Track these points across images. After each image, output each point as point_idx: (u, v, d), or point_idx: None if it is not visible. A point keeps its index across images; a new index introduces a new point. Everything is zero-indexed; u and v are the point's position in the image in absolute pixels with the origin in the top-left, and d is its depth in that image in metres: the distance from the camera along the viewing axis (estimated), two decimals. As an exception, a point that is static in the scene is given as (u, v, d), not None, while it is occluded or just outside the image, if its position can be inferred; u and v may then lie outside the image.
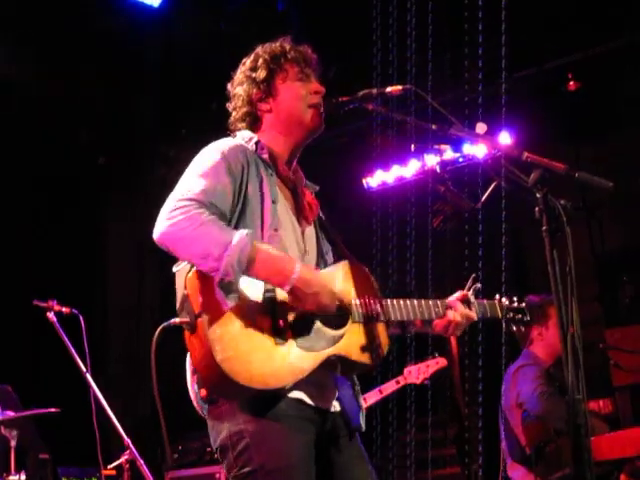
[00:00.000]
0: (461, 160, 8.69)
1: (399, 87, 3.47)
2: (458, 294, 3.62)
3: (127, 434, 5.54)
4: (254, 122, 3.51)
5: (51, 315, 5.74)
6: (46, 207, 9.14)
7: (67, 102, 9.33)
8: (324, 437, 3.27)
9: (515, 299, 3.83)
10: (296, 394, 3.16)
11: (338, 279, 3.34)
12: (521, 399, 5.93)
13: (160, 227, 3.10)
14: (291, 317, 3.15)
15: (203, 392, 3.14)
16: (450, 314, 3.51)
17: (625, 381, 8.36)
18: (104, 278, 10.00)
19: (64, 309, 5.80)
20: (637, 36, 8.62)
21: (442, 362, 6.86)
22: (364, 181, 9.79)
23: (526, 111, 8.91)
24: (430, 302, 3.51)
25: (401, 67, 8.55)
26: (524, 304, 3.84)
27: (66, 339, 5.69)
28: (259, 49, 3.54)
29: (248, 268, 3.03)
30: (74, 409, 6.02)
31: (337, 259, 3.52)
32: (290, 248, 3.31)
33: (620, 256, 9.76)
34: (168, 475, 8.00)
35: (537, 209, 2.98)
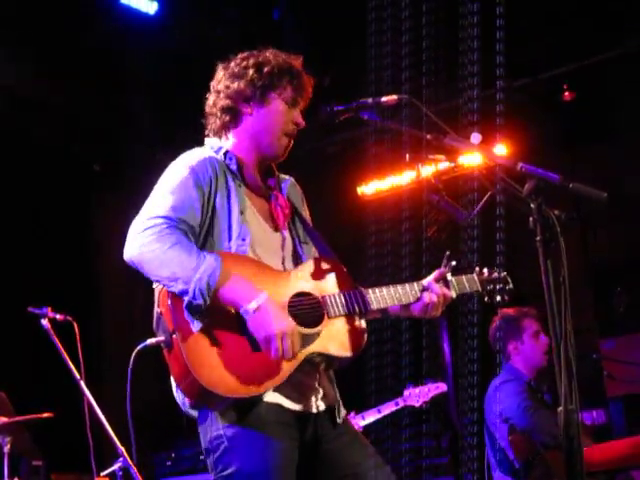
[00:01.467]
0: (456, 170, 8.69)
1: (394, 96, 3.48)
2: (433, 274, 3.61)
3: (121, 441, 5.53)
4: (232, 118, 3.50)
5: (45, 322, 5.73)
6: (40, 214, 9.12)
7: (62, 108, 9.32)
8: (308, 439, 3.30)
9: (495, 270, 3.79)
10: (275, 399, 3.19)
11: (309, 276, 3.35)
12: (506, 415, 5.93)
13: (129, 248, 3.14)
14: None
15: (187, 401, 3.20)
16: (426, 296, 3.51)
17: (618, 391, 8.36)
18: (98, 285, 9.98)
19: (58, 316, 5.79)
20: (632, 46, 8.65)
21: (442, 387, 6.87)
22: (358, 190, 9.79)
23: (521, 121, 8.92)
24: (406, 286, 3.52)
25: (396, 76, 8.55)
26: (505, 273, 3.79)
27: (60, 346, 5.69)
28: (269, 54, 3.51)
29: (215, 293, 3.06)
30: (68, 416, 6.01)
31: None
32: (263, 256, 3.33)
33: (614, 266, 9.77)
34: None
35: (531, 219, 2.98)
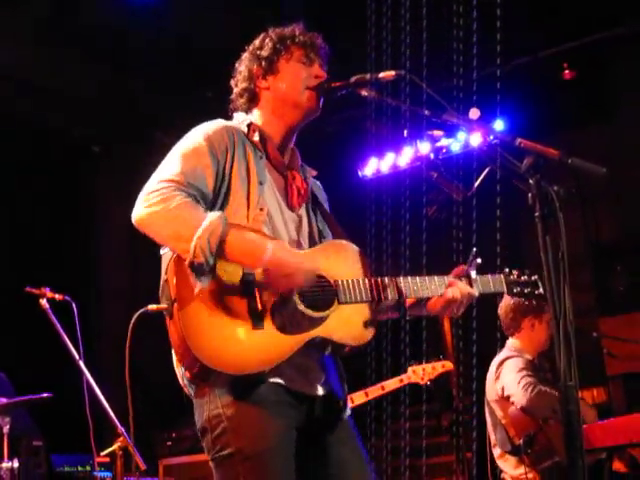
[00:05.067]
0: (455, 147, 8.67)
1: (392, 72, 3.43)
2: (455, 270, 3.50)
3: (120, 421, 5.53)
4: (252, 99, 3.51)
5: (44, 302, 5.72)
6: (38, 193, 9.12)
7: (61, 89, 9.30)
8: (312, 422, 3.25)
9: (526, 272, 3.65)
10: (277, 379, 3.14)
11: (324, 259, 3.28)
12: (507, 391, 5.93)
13: (136, 209, 3.11)
14: (271, 299, 3.11)
15: (187, 374, 3.14)
16: (450, 292, 3.39)
17: (618, 370, 8.40)
18: (97, 265, 9.99)
19: (57, 296, 5.77)
20: (632, 25, 8.62)
21: (448, 365, 6.80)
22: (359, 171, 9.77)
23: (521, 99, 8.90)
24: (426, 279, 3.41)
25: (395, 54, 8.53)
26: (536, 276, 3.62)
27: (59, 326, 5.68)
28: (270, 30, 3.54)
29: (219, 250, 3.00)
30: (67, 396, 6.01)
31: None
32: (278, 230, 3.29)
33: (614, 245, 9.77)
34: (162, 462, 8.01)
35: (530, 195, 2.96)
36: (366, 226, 9.41)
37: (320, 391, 3.30)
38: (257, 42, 3.54)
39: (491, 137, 3.28)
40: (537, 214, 2.94)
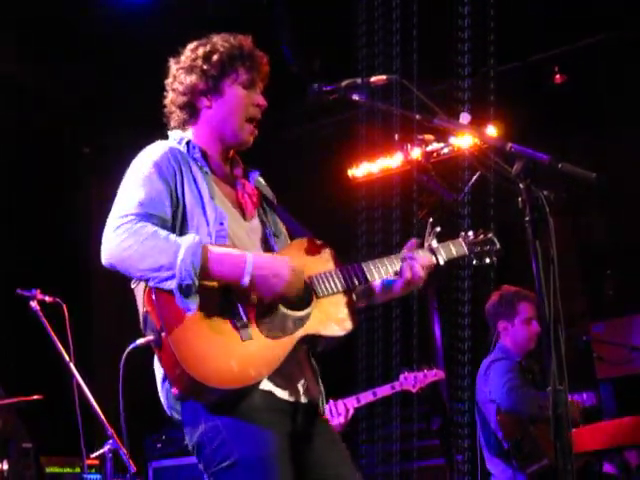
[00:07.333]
0: (446, 151, 8.68)
1: (384, 77, 3.45)
2: (408, 244, 3.58)
3: (110, 423, 5.52)
4: (191, 114, 3.49)
5: (34, 304, 5.71)
6: (30, 196, 9.10)
7: (50, 90, 9.28)
8: (297, 429, 3.26)
9: (480, 231, 3.76)
10: (267, 387, 3.16)
11: (294, 257, 3.28)
12: (493, 396, 5.94)
13: (106, 250, 3.11)
14: (253, 309, 3.13)
15: (175, 390, 3.11)
16: (409, 269, 3.46)
17: (608, 374, 8.41)
18: (88, 267, 9.95)
19: (47, 298, 5.77)
20: (624, 29, 8.63)
21: (440, 374, 6.84)
22: (349, 172, 9.77)
23: (512, 104, 8.91)
24: (392, 258, 3.49)
25: (386, 58, 8.52)
26: (491, 234, 3.76)
27: (49, 328, 5.67)
28: (218, 40, 3.48)
29: (202, 271, 3.02)
30: (57, 399, 6.00)
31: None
32: (242, 241, 3.31)
33: (604, 250, 9.78)
34: (152, 465, 8.00)
35: (520, 199, 2.97)
36: (357, 229, 9.40)
37: (302, 399, 3.32)
38: (202, 52, 3.47)
39: (482, 141, 3.29)
40: (527, 219, 2.95)
